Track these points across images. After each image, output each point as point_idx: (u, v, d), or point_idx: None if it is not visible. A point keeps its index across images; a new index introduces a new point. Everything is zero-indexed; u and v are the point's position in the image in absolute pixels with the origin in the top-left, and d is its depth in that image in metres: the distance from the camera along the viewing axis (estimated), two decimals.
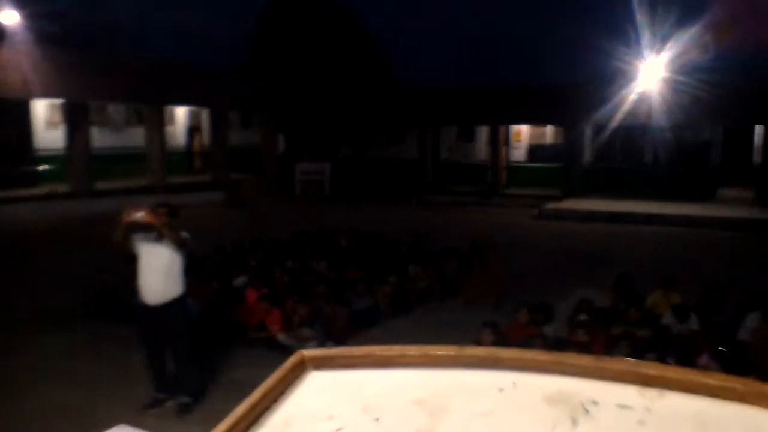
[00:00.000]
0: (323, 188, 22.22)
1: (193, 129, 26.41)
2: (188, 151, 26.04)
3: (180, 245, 4.80)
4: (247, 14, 26.27)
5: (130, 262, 4.96)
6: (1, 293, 8.04)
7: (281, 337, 6.44)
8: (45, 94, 19.52)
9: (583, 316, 6.34)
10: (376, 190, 21.58)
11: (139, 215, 4.52)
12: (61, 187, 19.24)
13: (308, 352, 1.43)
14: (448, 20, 47.83)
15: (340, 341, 6.32)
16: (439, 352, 1.39)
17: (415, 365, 1.38)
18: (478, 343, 5.13)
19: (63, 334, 6.50)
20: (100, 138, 21.54)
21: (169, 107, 23.81)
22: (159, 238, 4.70)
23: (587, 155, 22.10)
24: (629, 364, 1.27)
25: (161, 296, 4.77)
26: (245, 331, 6.67)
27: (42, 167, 20.36)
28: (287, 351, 5.85)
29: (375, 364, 1.40)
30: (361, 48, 25.05)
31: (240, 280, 7.84)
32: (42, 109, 20.99)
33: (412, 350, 1.40)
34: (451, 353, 1.38)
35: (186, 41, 24.96)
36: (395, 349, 1.41)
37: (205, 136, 26.28)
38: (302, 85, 23.41)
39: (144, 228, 4.63)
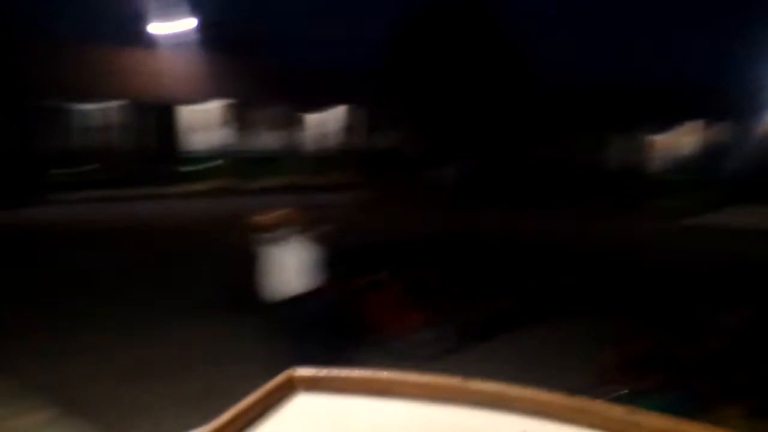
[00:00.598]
0: (465, 190, 21.81)
1: (337, 130, 27.22)
2: (331, 152, 26.82)
3: (314, 242, 4.93)
4: (384, 18, 26.55)
5: (264, 257, 5.13)
6: (156, 283, 8.62)
7: (402, 339, 6.33)
8: (205, 98, 21.20)
9: None
10: (525, 193, 20.39)
11: (276, 214, 4.75)
12: (212, 184, 20.61)
13: (299, 371, 1.27)
14: (596, 20, 45.45)
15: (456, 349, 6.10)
16: (441, 383, 1.16)
17: (413, 396, 1.17)
18: None
19: (208, 322, 6.82)
20: (249, 139, 23.00)
21: (313, 108, 24.78)
22: (293, 235, 4.86)
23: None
24: (670, 422, 0.96)
25: (292, 290, 4.93)
26: (370, 330, 6.62)
27: (192, 166, 21.87)
28: (405, 354, 5.92)
29: (370, 391, 1.21)
30: (508, 50, 24.52)
31: (372, 279, 7.81)
32: (191, 111, 22.54)
33: (412, 378, 1.19)
34: (455, 386, 1.15)
35: (326, 46, 25.74)
36: (393, 376, 1.21)
37: (347, 137, 27.02)
38: (446, 86, 23.34)
39: (279, 226, 4.82)
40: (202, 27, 21.30)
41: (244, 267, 5.56)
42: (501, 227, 12.47)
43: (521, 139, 24.21)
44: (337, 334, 6.29)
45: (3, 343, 5.98)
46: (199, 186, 20.40)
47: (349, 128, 25.08)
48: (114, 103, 20.16)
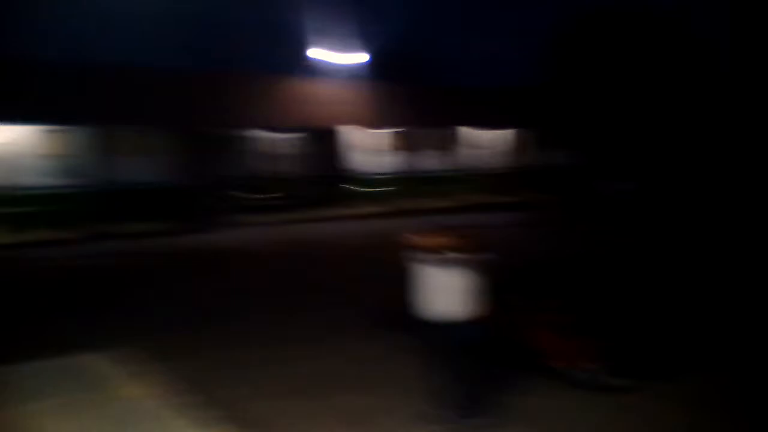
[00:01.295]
0: (634, 208, 20.27)
1: (507, 148, 26.67)
2: (500, 171, 26.18)
3: (472, 266, 4.78)
4: (536, 34, 25.87)
5: (430, 278, 4.90)
6: (328, 300, 8.89)
7: (567, 368, 5.79)
8: (376, 123, 22.35)
9: None
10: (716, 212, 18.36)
11: (444, 234, 4.71)
12: (385, 206, 21.13)
13: None
14: None
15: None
16: None
17: None
18: None
19: (356, 343, 6.80)
20: (419, 160, 23.67)
21: (467, 129, 24.80)
22: (449, 258, 4.75)
23: None
24: None
25: (446, 315, 4.83)
26: (538, 358, 6.12)
27: (355, 187, 22.70)
28: (571, 383, 5.56)
29: None
30: (692, 57, 22.92)
31: (543, 304, 7.29)
32: (364, 136, 23.43)
33: None
34: None
35: (492, 64, 25.45)
36: None
37: (517, 156, 26.43)
38: (613, 99, 22.21)
39: (448, 247, 4.75)
40: (372, 57, 22.54)
41: (410, 287, 5.45)
42: (687, 249, 11.32)
43: (708, 155, 22.26)
44: (501, 361, 5.89)
45: (184, 360, 6.03)
46: (373, 208, 21.08)
47: (519, 146, 24.65)
48: (293, 131, 21.75)
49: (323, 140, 22.30)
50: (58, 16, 18.22)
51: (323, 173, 22.08)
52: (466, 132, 24.82)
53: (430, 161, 24.41)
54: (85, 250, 14.17)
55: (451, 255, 4.74)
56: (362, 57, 22.51)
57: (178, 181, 18.46)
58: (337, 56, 22.21)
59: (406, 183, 22.63)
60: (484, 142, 26.00)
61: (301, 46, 21.71)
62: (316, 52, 21.91)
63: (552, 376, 5.79)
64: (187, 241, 15.19)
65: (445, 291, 4.82)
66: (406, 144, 23.66)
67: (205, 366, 5.98)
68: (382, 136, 23.50)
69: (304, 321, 7.70)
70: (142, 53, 18.07)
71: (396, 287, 7.68)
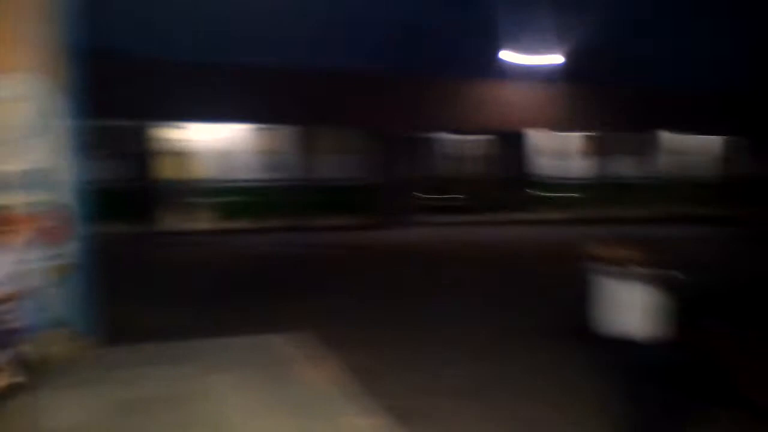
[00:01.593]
0: None
1: (710, 157, 24.42)
2: (689, 181, 24.00)
3: (657, 283, 4.45)
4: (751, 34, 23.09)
5: (613, 291, 4.65)
6: (506, 304, 8.74)
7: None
8: (566, 126, 21.64)
9: None
10: None
11: (616, 248, 4.50)
12: (558, 213, 20.50)
13: None
14: None
15: None
16: None
17: None
18: None
19: (530, 352, 6.60)
20: (611, 166, 22.53)
21: (668, 133, 23.00)
22: (632, 272, 4.47)
23: None
24: None
25: (627, 332, 4.54)
26: (731, 389, 5.49)
27: (540, 192, 22.12)
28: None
29: None
30: None
31: (743, 330, 6.55)
32: (552, 140, 22.78)
33: None
34: None
35: (683, 66, 23.36)
36: None
37: (721, 165, 24.10)
38: None
39: (620, 262, 4.52)
40: (566, 58, 21.80)
41: (590, 299, 5.17)
42: None
43: None
44: (692, 391, 5.35)
45: (360, 350, 6.29)
46: (557, 214, 20.58)
47: (727, 154, 22.42)
48: (481, 133, 21.87)
49: (511, 143, 22.01)
50: (270, 25, 19.99)
51: (508, 176, 21.79)
52: (667, 137, 22.96)
53: (623, 167, 22.99)
54: (283, 239, 15.43)
55: (636, 269, 4.42)
56: (555, 58, 21.78)
57: (368, 180, 19.34)
58: (530, 58, 21.71)
59: (595, 189, 21.60)
60: (687, 149, 23.85)
61: (493, 48, 21.53)
62: (507, 54, 21.59)
63: (753, 413, 5.17)
64: (371, 236, 15.92)
65: (626, 307, 4.52)
66: (598, 148, 22.54)
67: (380, 358, 6.16)
68: (573, 139, 22.61)
69: (476, 325, 7.62)
70: (340, 56, 19.23)
71: (573, 298, 7.38)
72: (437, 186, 21.03)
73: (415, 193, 20.10)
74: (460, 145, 22.20)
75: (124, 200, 16.49)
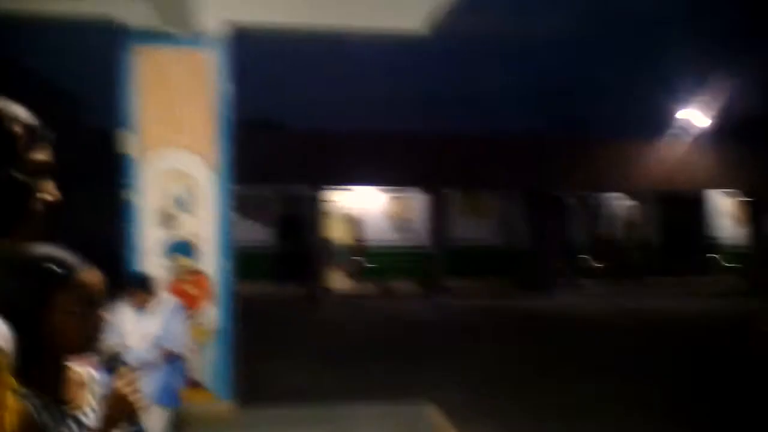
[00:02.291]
0: None
1: None
2: None
3: None
4: None
5: None
6: (652, 388, 7.74)
7: None
8: (725, 187, 20.06)
9: None
10: None
11: None
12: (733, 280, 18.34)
13: None
14: None
15: None
16: None
17: None
18: None
19: None
20: None
21: None
22: None
23: None
24: None
25: None
26: None
27: (722, 259, 20.44)
28: None
29: None
30: None
31: None
32: (723, 201, 21.24)
33: None
34: None
35: None
36: None
37: None
38: None
39: None
40: (720, 116, 20.48)
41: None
42: None
43: None
44: None
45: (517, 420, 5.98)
46: (720, 282, 18.61)
47: None
48: (647, 196, 20.62)
49: (685, 207, 20.62)
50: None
51: (683, 242, 20.40)
52: None
53: None
54: (425, 303, 15.37)
55: None
56: (728, 118, 20.44)
57: (519, 243, 18.84)
58: (702, 118, 20.37)
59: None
60: None
61: (664, 109, 20.71)
62: (681, 114, 20.50)
63: None
64: (522, 303, 15.26)
65: None
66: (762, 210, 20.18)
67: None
68: (734, 201, 20.85)
69: (648, 411, 6.64)
70: (500, 120, 19.01)
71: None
72: (599, 250, 20.03)
73: (572, 258, 19.19)
74: (626, 208, 21.14)
75: (285, 262, 17.45)
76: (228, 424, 5.78)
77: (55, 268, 1.35)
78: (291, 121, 21.06)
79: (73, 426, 1.37)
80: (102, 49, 6.04)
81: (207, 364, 5.91)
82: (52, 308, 1.33)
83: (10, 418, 1.08)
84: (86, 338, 1.40)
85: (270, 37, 7.31)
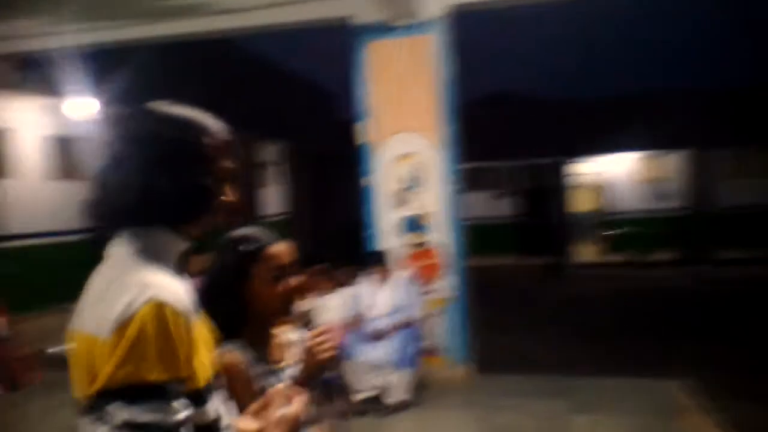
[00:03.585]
0: None
1: None
2: None
3: None
4: None
5: None
6: None
7: None
8: None
9: None
10: None
11: None
12: None
13: None
14: None
15: None
16: None
17: None
18: None
19: None
20: None
21: None
22: None
23: None
24: None
25: None
26: None
27: None
28: None
29: None
30: None
31: None
32: None
33: None
34: None
35: None
36: None
37: None
38: None
39: None
40: None
41: None
42: None
43: None
44: None
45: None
46: None
47: None
48: None
49: None
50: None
51: None
52: None
53: None
54: (685, 274, 14.12)
55: None
56: None
57: None
58: None
59: None
60: None
61: None
62: None
63: None
64: None
65: None
66: None
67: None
68: None
69: None
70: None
71: None
72: None
73: None
74: None
75: (536, 235, 17.37)
76: (464, 388, 6.06)
77: (248, 245, 1.66)
78: (537, 93, 20.62)
79: (275, 380, 1.67)
80: (342, 48, 6.65)
81: (443, 331, 6.26)
82: (251, 279, 1.65)
83: (208, 369, 1.26)
84: (282, 302, 1.69)
85: (496, 13, 7.28)
